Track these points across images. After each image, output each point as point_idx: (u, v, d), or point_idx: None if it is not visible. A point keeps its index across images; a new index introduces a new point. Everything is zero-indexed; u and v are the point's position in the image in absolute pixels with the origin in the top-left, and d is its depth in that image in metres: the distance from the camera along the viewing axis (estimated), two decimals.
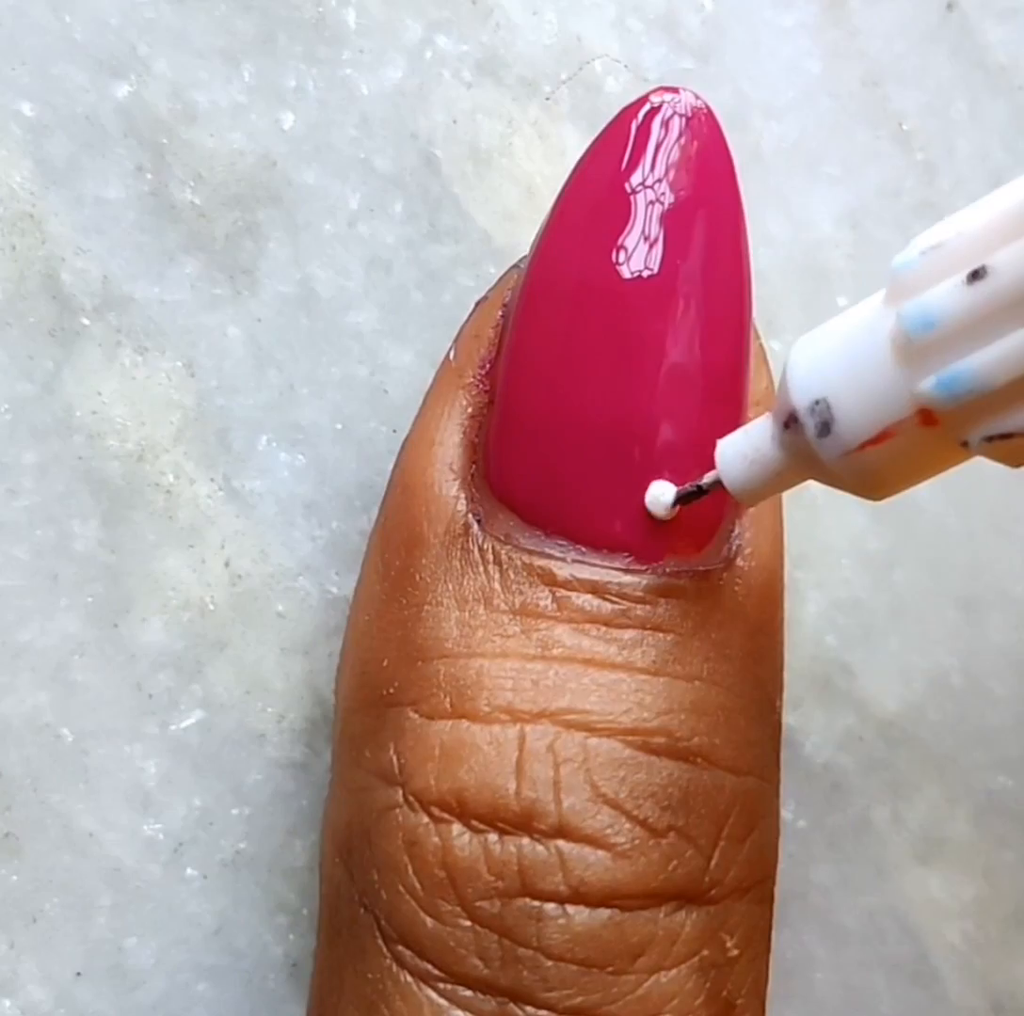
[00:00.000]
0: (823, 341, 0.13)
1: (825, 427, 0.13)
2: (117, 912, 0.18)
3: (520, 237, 0.19)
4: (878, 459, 0.13)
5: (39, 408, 0.18)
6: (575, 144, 0.20)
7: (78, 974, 0.18)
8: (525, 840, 0.15)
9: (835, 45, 0.21)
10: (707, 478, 0.15)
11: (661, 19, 0.20)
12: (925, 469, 0.13)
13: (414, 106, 0.19)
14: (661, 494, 0.15)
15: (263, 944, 0.18)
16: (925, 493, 0.21)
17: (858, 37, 0.21)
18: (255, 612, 0.19)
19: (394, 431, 0.19)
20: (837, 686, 0.20)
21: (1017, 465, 0.13)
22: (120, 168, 0.18)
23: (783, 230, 0.20)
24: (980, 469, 0.21)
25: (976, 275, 0.12)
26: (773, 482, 0.14)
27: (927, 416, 0.12)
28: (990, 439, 0.12)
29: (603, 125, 0.16)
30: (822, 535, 0.20)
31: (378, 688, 0.16)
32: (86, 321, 0.18)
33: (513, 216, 0.20)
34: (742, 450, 0.15)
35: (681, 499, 0.15)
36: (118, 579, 0.18)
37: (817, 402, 0.13)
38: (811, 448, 0.13)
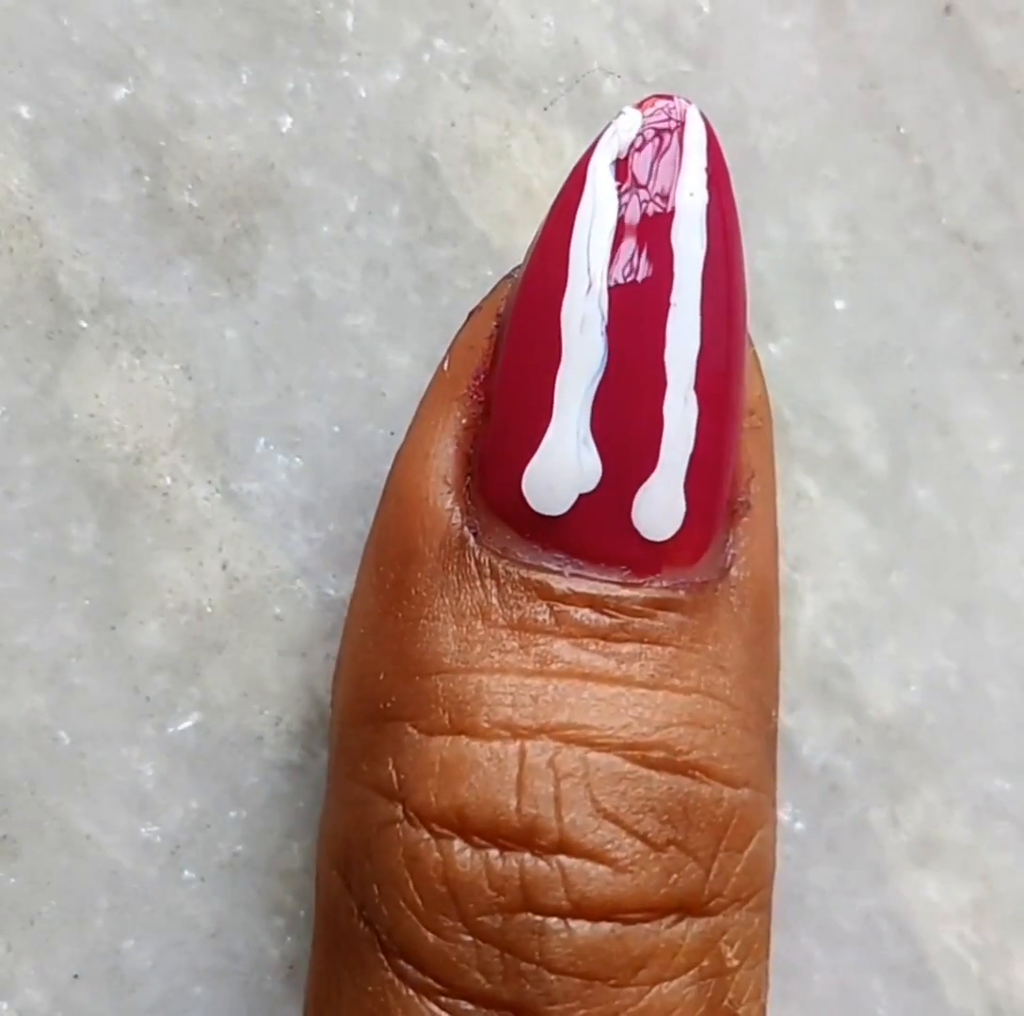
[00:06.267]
0: None
1: None
2: (114, 914, 0.18)
3: (518, 239, 0.19)
4: None
5: (36, 410, 0.18)
6: (573, 147, 0.20)
7: (75, 976, 0.18)
8: (526, 856, 0.15)
9: (832, 48, 0.21)
10: None
11: (659, 22, 0.20)
12: None
13: (412, 109, 0.19)
14: None
15: (260, 946, 0.18)
16: (923, 495, 0.21)
17: (856, 40, 0.21)
18: (252, 614, 0.19)
19: (392, 433, 0.19)
20: (835, 688, 0.20)
21: None
22: (118, 171, 0.18)
23: (781, 233, 0.20)
24: (979, 471, 0.21)
25: None
26: None
27: None
28: None
29: (600, 128, 0.16)
30: (820, 537, 0.20)
31: (374, 702, 0.16)
32: (84, 323, 0.18)
33: (511, 219, 0.20)
34: None
35: None
36: (115, 581, 0.18)
37: None
38: None
